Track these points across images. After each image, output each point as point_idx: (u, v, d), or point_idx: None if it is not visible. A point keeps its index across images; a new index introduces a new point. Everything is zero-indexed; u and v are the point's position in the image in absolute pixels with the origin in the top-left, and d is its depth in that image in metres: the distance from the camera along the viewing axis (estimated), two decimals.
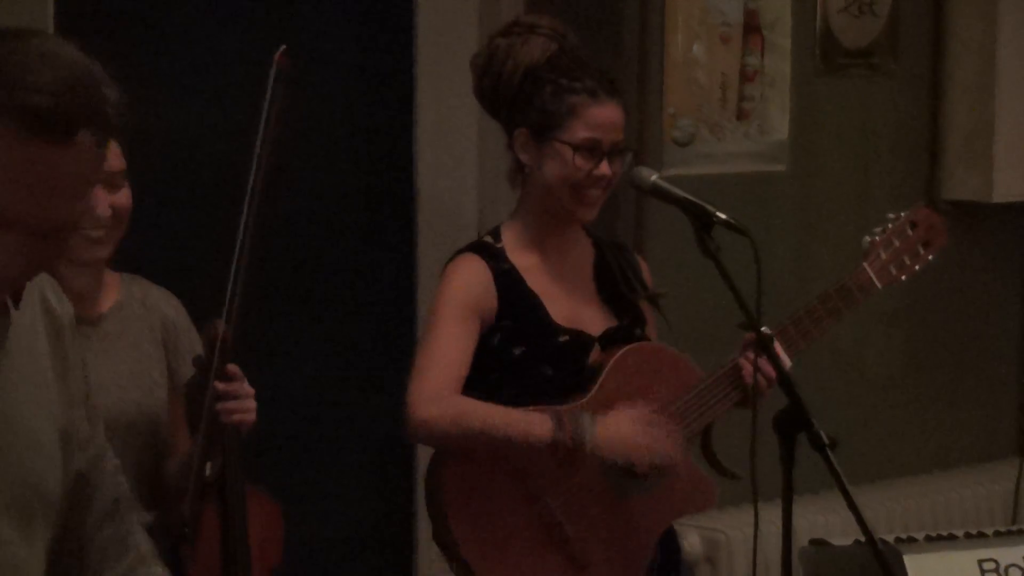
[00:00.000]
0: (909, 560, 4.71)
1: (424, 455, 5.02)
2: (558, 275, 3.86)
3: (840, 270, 5.33)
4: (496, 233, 3.85)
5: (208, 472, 3.53)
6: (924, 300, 5.57)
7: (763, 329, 3.67)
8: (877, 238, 4.03)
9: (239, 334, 3.37)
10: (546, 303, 3.81)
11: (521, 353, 3.77)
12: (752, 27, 5.14)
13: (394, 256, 5.12)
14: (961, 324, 5.62)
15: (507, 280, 3.79)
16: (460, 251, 3.85)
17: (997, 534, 5.03)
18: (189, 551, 3.48)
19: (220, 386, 3.49)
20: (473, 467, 3.67)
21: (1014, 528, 5.15)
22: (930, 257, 4.06)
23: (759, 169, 5.20)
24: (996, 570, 4.78)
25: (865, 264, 4.00)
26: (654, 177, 3.71)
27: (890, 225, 4.04)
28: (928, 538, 4.94)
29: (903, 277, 4.03)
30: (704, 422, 3.84)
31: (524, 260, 3.82)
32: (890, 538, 4.84)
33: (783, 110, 5.23)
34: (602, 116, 3.78)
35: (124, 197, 3.54)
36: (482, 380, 3.72)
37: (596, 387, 3.77)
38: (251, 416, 3.56)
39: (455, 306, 3.74)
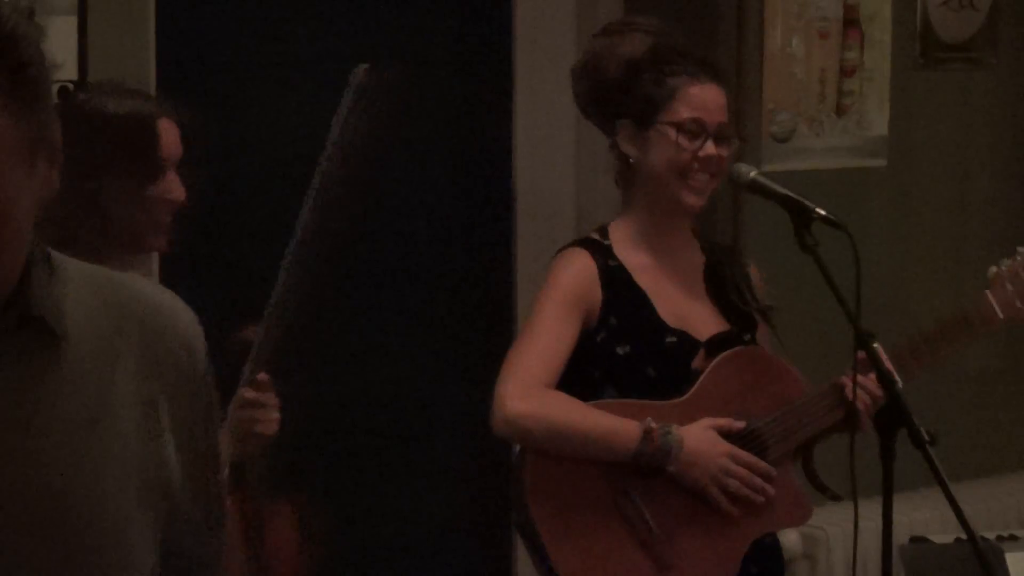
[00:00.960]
0: (1011, 558, 4.68)
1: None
2: (667, 275, 3.83)
3: (939, 268, 5.33)
4: (604, 230, 3.83)
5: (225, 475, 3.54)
6: None
7: (876, 345, 3.66)
8: (1004, 268, 3.97)
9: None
10: (655, 302, 3.78)
11: (625, 353, 3.74)
12: (851, 21, 5.14)
13: (493, 256, 5.13)
14: None
15: (614, 277, 3.76)
16: (567, 246, 3.83)
17: None
18: None
19: (248, 394, 3.47)
20: (555, 463, 3.65)
21: None
22: None
23: (858, 164, 5.19)
24: None
25: (988, 293, 3.94)
26: (753, 173, 3.71)
27: (1019, 257, 3.98)
28: None
29: (1018, 315, 3.95)
30: (802, 438, 3.80)
31: (633, 258, 3.79)
32: (991, 536, 4.80)
33: (882, 105, 5.22)
34: (704, 96, 3.76)
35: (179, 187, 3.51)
36: (582, 378, 3.69)
37: (693, 390, 3.74)
38: (272, 427, 3.51)
39: (557, 300, 3.72)
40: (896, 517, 3.55)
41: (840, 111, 5.14)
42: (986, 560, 3.81)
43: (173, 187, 3.47)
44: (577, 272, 3.74)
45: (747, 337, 3.87)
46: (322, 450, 4.82)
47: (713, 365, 3.77)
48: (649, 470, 3.65)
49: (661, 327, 3.77)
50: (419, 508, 5.06)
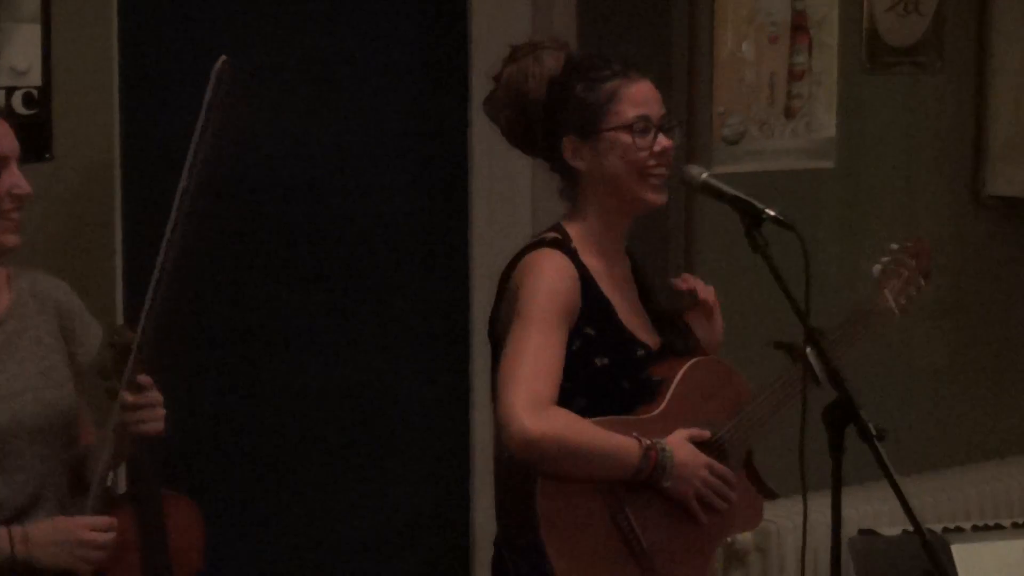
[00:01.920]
0: (957, 549, 4.72)
1: (481, 449, 5.07)
2: (617, 283, 3.77)
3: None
4: (563, 232, 3.73)
5: (110, 483, 3.57)
6: (969, 293, 5.57)
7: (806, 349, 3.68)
8: (885, 267, 4.00)
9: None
10: (617, 311, 3.72)
11: (603, 365, 3.67)
12: (799, 26, 5.15)
13: (450, 252, 5.14)
14: (1005, 316, 5.62)
15: (586, 283, 3.68)
16: (536, 245, 3.71)
17: None
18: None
19: (128, 397, 3.47)
20: (562, 483, 3.59)
21: None
22: (924, 286, 4.04)
23: (807, 166, 5.20)
24: None
25: (884, 291, 3.97)
26: (704, 175, 3.69)
27: (895, 256, 4.02)
28: (975, 528, 4.94)
29: (909, 307, 4.00)
30: (753, 442, 3.80)
31: (594, 263, 3.71)
32: (938, 528, 4.85)
33: (830, 108, 5.23)
34: (643, 92, 3.70)
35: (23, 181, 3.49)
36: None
37: (667, 402, 3.70)
38: (158, 426, 3.51)
39: (552, 308, 3.60)
40: (845, 510, 3.56)
41: (789, 114, 5.15)
42: (933, 552, 3.83)
43: (15, 181, 3.45)
44: (562, 277, 3.64)
45: (679, 345, 3.84)
46: (258, 448, 4.83)
47: (680, 375, 3.73)
48: (641, 485, 3.63)
49: (630, 340, 3.73)
50: (371, 505, 5.05)
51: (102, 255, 4.23)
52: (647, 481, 3.61)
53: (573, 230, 3.73)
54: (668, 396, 3.72)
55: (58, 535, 3.44)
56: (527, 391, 3.53)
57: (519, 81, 3.76)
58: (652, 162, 3.69)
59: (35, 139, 4.05)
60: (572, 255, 3.68)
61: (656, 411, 3.70)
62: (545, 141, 3.77)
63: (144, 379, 3.52)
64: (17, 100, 4.08)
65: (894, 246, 4.03)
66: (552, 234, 3.73)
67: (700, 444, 3.71)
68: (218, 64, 3.55)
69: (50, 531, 3.44)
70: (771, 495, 3.82)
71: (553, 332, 3.59)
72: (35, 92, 4.10)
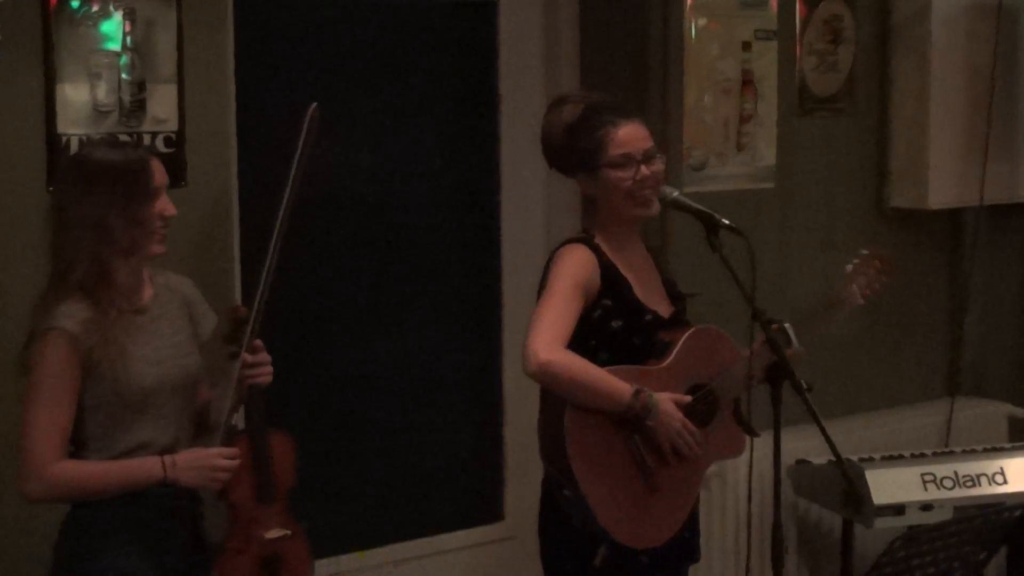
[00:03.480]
0: (869, 474, 4.71)
1: (511, 402, 5.06)
2: (635, 269, 3.78)
3: (812, 264, 5.35)
4: (590, 233, 3.76)
5: (233, 422, 3.63)
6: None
7: (785, 325, 3.73)
8: (855, 266, 3.99)
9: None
10: (634, 288, 3.74)
11: (618, 326, 3.69)
12: (747, 81, 5.11)
13: (484, 253, 5.11)
14: (904, 299, 5.60)
15: (606, 268, 3.70)
16: (569, 242, 3.76)
17: (935, 454, 5.03)
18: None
19: (248, 357, 3.59)
20: (588, 411, 3.60)
21: (946, 450, 5.15)
22: (886, 281, 4.02)
23: (753, 187, 5.17)
24: (934, 481, 4.77)
25: (852, 284, 3.95)
26: (675, 193, 3.71)
27: (863, 258, 4.00)
28: (883, 457, 4.94)
29: (871, 296, 3.98)
30: (737, 392, 3.78)
31: (612, 255, 3.74)
32: (855, 458, 4.84)
33: (770, 143, 5.19)
34: (624, 134, 3.70)
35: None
36: (582, 345, 3.63)
37: (671, 358, 3.70)
38: (268, 378, 3.63)
39: (570, 281, 3.64)
40: (784, 445, 3.59)
41: (740, 148, 5.12)
42: (849, 476, 3.85)
43: (165, 205, 3.47)
44: (583, 262, 3.67)
45: (686, 316, 3.86)
46: (338, 397, 4.82)
47: (684, 338, 3.73)
48: (634, 422, 3.62)
49: (641, 307, 3.73)
50: (420, 447, 5.01)
51: (224, 258, 4.22)
52: (634, 419, 3.61)
53: (597, 233, 3.76)
54: (673, 354, 3.72)
55: (197, 461, 3.48)
56: (545, 334, 3.56)
57: (548, 130, 3.80)
58: (638, 187, 3.70)
59: (173, 171, 4.04)
60: (595, 249, 3.71)
61: (663, 364, 3.71)
62: (568, 173, 3.81)
63: (258, 343, 3.61)
64: (159, 141, 4.08)
65: (863, 251, 4.01)
66: (582, 234, 3.77)
67: (694, 392, 3.71)
68: (310, 110, 3.57)
69: (191, 458, 3.48)
70: (753, 433, 3.78)
71: (569, 299, 3.63)
72: (173, 135, 4.10)
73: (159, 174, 3.47)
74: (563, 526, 3.71)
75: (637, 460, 3.65)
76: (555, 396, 3.63)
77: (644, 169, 3.70)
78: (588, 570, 3.68)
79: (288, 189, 3.59)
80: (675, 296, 3.88)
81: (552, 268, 3.71)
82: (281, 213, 3.58)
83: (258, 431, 3.64)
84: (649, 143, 3.74)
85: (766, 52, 5.15)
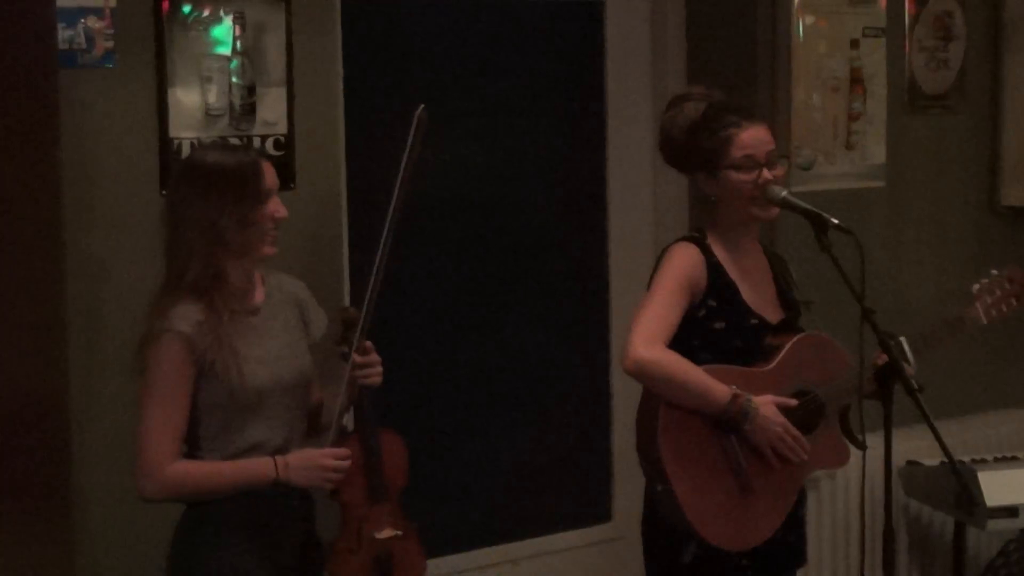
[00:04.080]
0: (982, 475, 4.65)
1: (620, 402, 5.05)
2: (747, 273, 3.76)
3: (923, 263, 5.29)
4: (702, 232, 3.75)
5: (344, 423, 3.65)
6: None
7: (901, 339, 3.70)
8: (983, 285, 3.94)
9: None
10: (741, 291, 3.72)
11: (721, 327, 3.67)
12: (856, 79, 5.08)
13: (592, 253, 5.11)
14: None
15: (714, 269, 3.69)
16: (680, 240, 3.75)
17: None
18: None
19: (358, 358, 3.60)
20: (683, 408, 3.59)
21: None
22: (1016, 305, 3.95)
23: (862, 186, 5.14)
24: None
25: (976, 304, 3.90)
26: (784, 193, 3.68)
27: (994, 278, 3.95)
28: (996, 459, 4.87)
29: (999, 318, 3.93)
30: (844, 401, 3.73)
31: (723, 257, 3.72)
32: (967, 459, 4.78)
33: (880, 141, 5.16)
34: (749, 137, 3.68)
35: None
36: (685, 344, 3.62)
37: (776, 363, 3.68)
38: (378, 379, 3.64)
39: (675, 280, 3.64)
40: (895, 446, 3.55)
41: (849, 146, 5.09)
42: (962, 478, 3.81)
43: (276, 207, 3.50)
44: (689, 261, 3.67)
45: (799, 322, 3.82)
46: (448, 398, 4.82)
47: (791, 344, 3.70)
48: (731, 424, 3.60)
49: (747, 311, 3.71)
50: (530, 448, 5.01)
51: (333, 259, 4.25)
52: (731, 421, 3.58)
53: (711, 233, 3.75)
54: (778, 358, 3.69)
55: (309, 462, 3.50)
56: (646, 330, 3.57)
57: (668, 128, 3.78)
58: (758, 191, 3.67)
59: (282, 174, 4.06)
60: (705, 248, 3.70)
61: (767, 368, 3.68)
62: (686, 170, 3.80)
63: (368, 344, 3.62)
64: (269, 144, 4.12)
65: (994, 271, 3.96)
66: (694, 233, 3.76)
67: (800, 398, 3.68)
68: (418, 111, 3.58)
69: (303, 459, 3.50)
70: (860, 445, 3.72)
71: (672, 297, 3.63)
72: (282, 138, 4.13)
73: (270, 177, 3.51)
74: (660, 524, 3.70)
75: (732, 460, 3.63)
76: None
77: (767, 173, 3.68)
78: (680, 567, 3.67)
79: (396, 191, 3.60)
80: (788, 302, 3.84)
81: (660, 266, 3.71)
82: (390, 215, 3.59)
83: (369, 431, 3.66)
84: (772, 146, 3.72)
85: (875, 49, 5.11)
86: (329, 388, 3.68)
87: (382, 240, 3.61)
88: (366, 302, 3.60)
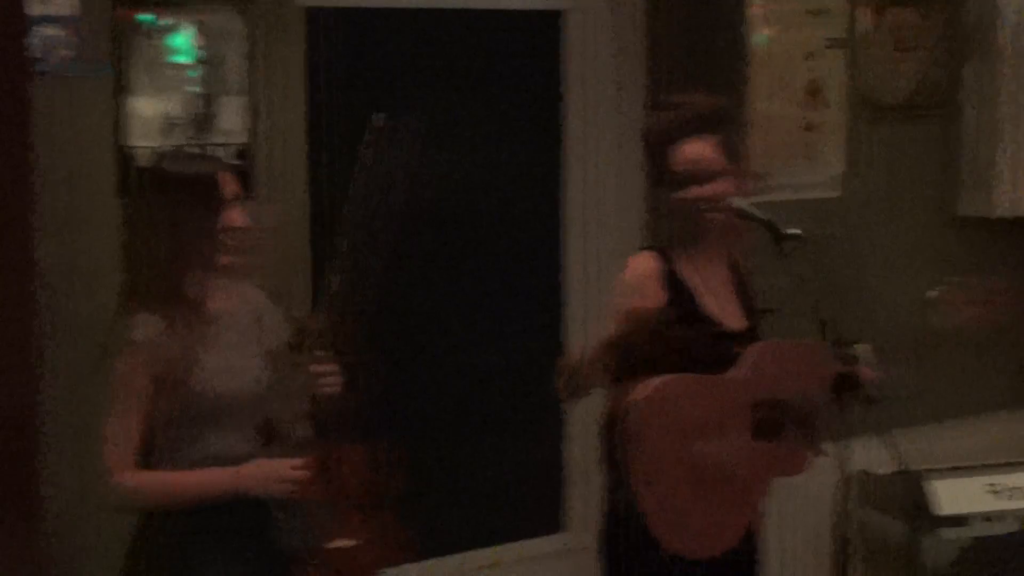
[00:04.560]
0: (933, 484, 4.68)
1: (573, 414, 5.05)
2: (708, 282, 3.77)
3: (880, 270, 5.31)
4: (667, 242, 3.76)
5: (303, 432, 3.60)
6: None
7: (862, 346, 3.68)
8: (940, 292, 3.90)
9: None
10: (702, 301, 3.73)
11: (680, 335, 3.65)
12: (815, 90, 5.12)
13: (548, 264, 5.11)
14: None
15: (673, 278, 3.70)
16: (642, 248, 3.79)
17: (1002, 465, 4.98)
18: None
19: (316, 368, 3.54)
20: (648, 410, 3.60)
21: (1015, 461, 5.10)
22: (976, 318, 3.91)
23: (820, 196, 5.16)
24: (1000, 492, 4.73)
25: (934, 312, 3.87)
26: (742, 203, 3.68)
27: (949, 286, 3.92)
28: (949, 468, 4.90)
29: (960, 327, 3.89)
30: (809, 410, 3.72)
31: (685, 268, 3.73)
32: (920, 468, 4.80)
33: (839, 151, 5.19)
34: (684, 153, 3.66)
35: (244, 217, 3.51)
36: (645, 353, 3.60)
37: (739, 370, 3.68)
38: (336, 389, 3.57)
39: (623, 292, 3.67)
40: (851, 455, 3.56)
41: (807, 156, 5.12)
42: (916, 485, 3.83)
43: (237, 217, 3.47)
44: (636, 272, 3.70)
45: (760, 330, 3.83)
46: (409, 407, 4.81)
47: (755, 352, 3.70)
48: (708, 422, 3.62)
49: (707, 319, 3.72)
50: (484, 458, 5.01)
51: (294, 270, 4.26)
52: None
53: (675, 245, 3.75)
54: (741, 367, 3.69)
55: (266, 472, 3.48)
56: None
57: (643, 136, 3.79)
58: (694, 206, 3.67)
59: (242, 182, 4.05)
60: (665, 258, 3.71)
61: (729, 376, 3.68)
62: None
63: (326, 354, 3.57)
64: (229, 153, 4.11)
65: (950, 279, 3.93)
66: (656, 243, 3.79)
67: (762, 406, 3.68)
68: (374, 120, 3.58)
69: (260, 469, 3.49)
70: (820, 453, 3.74)
71: (619, 303, 3.64)
72: (243, 148, 4.13)
73: (230, 187, 3.50)
74: (620, 534, 3.70)
75: (696, 468, 3.63)
76: (620, 401, 3.62)
77: (698, 190, 3.67)
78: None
79: (352, 199, 3.59)
80: (751, 311, 3.86)
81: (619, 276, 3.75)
82: (347, 223, 3.59)
83: (328, 441, 3.65)
84: (710, 162, 3.68)
85: (834, 60, 5.14)
86: (288, 398, 3.67)
87: (339, 249, 3.60)
88: (324, 311, 3.60)
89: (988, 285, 3.94)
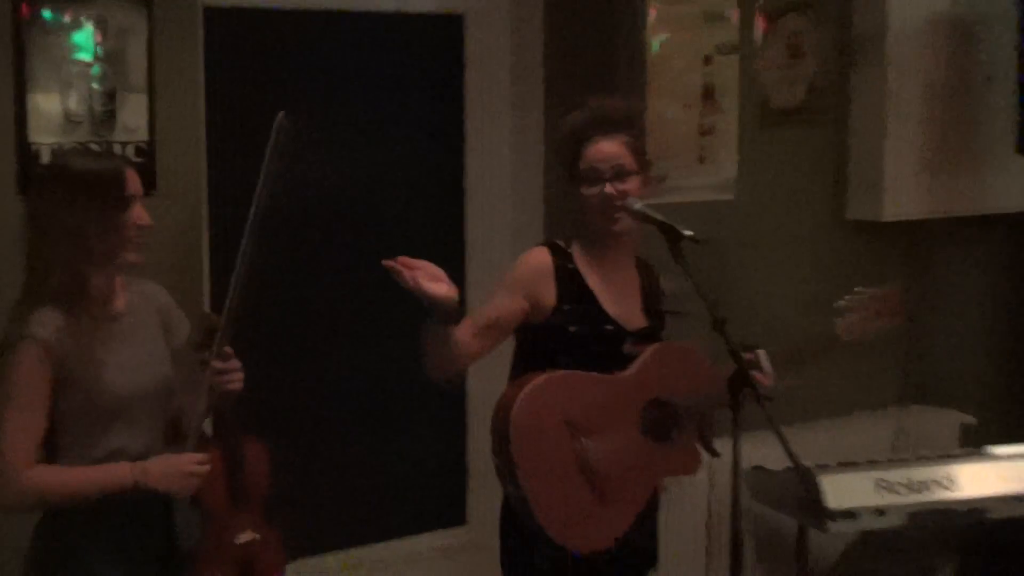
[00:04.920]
0: (824, 480, 4.74)
1: (475, 409, 5.08)
2: (610, 281, 3.80)
3: (772, 272, 5.37)
4: (568, 240, 3.80)
5: (204, 429, 3.61)
6: (834, 293, 5.58)
7: (759, 351, 3.73)
8: (846, 303, 3.98)
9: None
10: (599, 299, 3.76)
11: (575, 332, 3.71)
12: (709, 95, 5.15)
13: (450, 262, 5.04)
14: None
15: (569, 274, 3.73)
16: (539, 245, 3.81)
17: (889, 461, 5.05)
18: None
19: (218, 364, 3.52)
20: (534, 408, 3.62)
21: (900, 457, 5.18)
22: (881, 326, 4.00)
23: (714, 198, 5.21)
24: (888, 487, 4.80)
25: (838, 320, 3.96)
26: (639, 205, 3.72)
27: (855, 296, 4.00)
28: (839, 464, 4.96)
29: (861, 337, 3.97)
30: (702, 411, 3.79)
31: (585, 265, 3.76)
32: (810, 464, 4.87)
33: (732, 155, 5.23)
34: (596, 151, 3.72)
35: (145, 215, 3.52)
36: (543, 347, 3.67)
37: (634, 369, 3.72)
38: (239, 385, 3.56)
39: (513, 283, 3.71)
40: (744, 452, 3.60)
41: (701, 160, 5.16)
42: (806, 482, 3.88)
43: (140, 215, 3.47)
44: (529, 265, 3.73)
45: (661, 333, 3.87)
46: (304, 403, 4.82)
47: (650, 353, 3.75)
48: (594, 417, 3.64)
49: (603, 317, 3.75)
50: (388, 453, 5.02)
51: (193, 265, 4.24)
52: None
53: (577, 241, 3.79)
54: (636, 366, 3.73)
55: (168, 467, 3.46)
56: (475, 318, 3.65)
57: (554, 137, 3.85)
58: (602, 203, 3.72)
59: (143, 179, 4.03)
60: (561, 255, 3.74)
61: (624, 374, 3.72)
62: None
63: (228, 351, 3.56)
64: (130, 150, 4.10)
65: (858, 289, 4.00)
66: (557, 240, 3.80)
67: (656, 406, 3.72)
68: (278, 118, 3.58)
69: (163, 464, 3.47)
70: (714, 453, 3.81)
71: (508, 296, 3.69)
72: (144, 144, 4.12)
73: (133, 183, 3.48)
74: (514, 526, 3.73)
75: (583, 463, 3.66)
76: (508, 394, 3.65)
77: (610, 187, 3.72)
78: (533, 570, 3.71)
79: (257, 197, 3.59)
80: (653, 312, 3.90)
81: (511, 268, 3.77)
82: (250, 221, 3.58)
83: (229, 437, 3.65)
84: (621, 161, 3.74)
85: (728, 66, 5.18)
86: (190, 394, 3.66)
87: (242, 246, 3.60)
88: (226, 308, 3.59)
89: (891, 295, 4.01)
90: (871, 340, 4.05)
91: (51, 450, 3.43)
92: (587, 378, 3.67)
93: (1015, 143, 5.67)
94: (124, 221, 3.44)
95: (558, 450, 3.64)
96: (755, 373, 3.61)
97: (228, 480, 3.64)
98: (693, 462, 3.85)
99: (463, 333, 3.59)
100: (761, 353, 3.77)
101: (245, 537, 3.67)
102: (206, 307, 4.22)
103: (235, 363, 3.60)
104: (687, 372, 3.79)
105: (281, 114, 3.58)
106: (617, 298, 3.81)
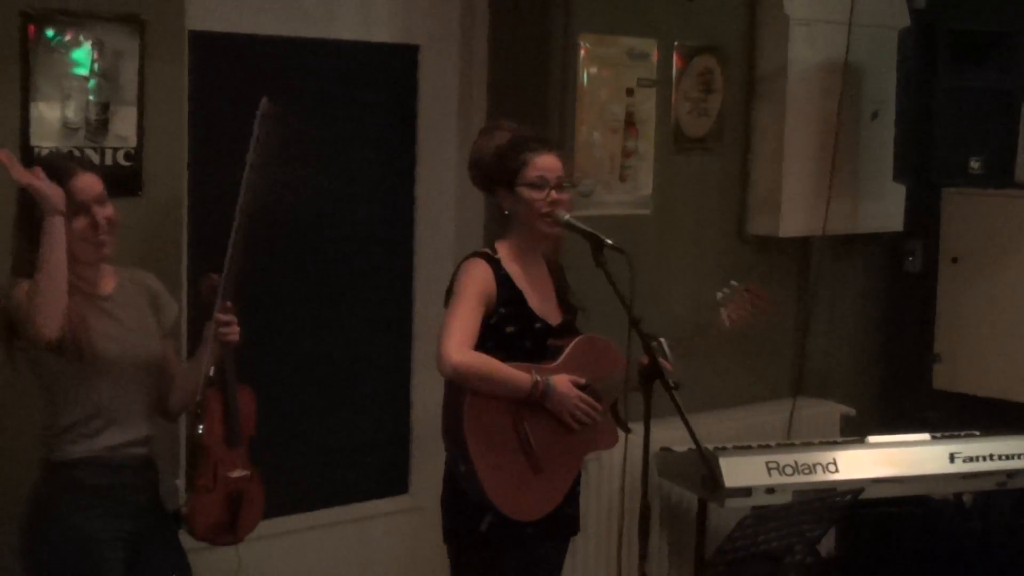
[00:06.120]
0: (723, 461, 4.79)
1: (418, 390, 5.08)
2: (533, 281, 3.82)
3: (682, 279, 5.41)
4: (493, 248, 3.81)
5: (211, 373, 3.62)
6: None
7: (661, 339, 3.74)
8: (723, 294, 4.00)
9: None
10: (528, 300, 3.79)
11: (511, 332, 3.74)
12: (631, 122, 5.18)
13: (400, 263, 5.11)
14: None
15: (504, 280, 3.75)
16: (471, 256, 3.80)
17: (778, 445, 5.12)
18: (204, 423, 3.58)
19: (221, 316, 3.57)
20: (483, 398, 3.65)
21: (788, 442, 5.25)
22: (758, 312, 4.02)
23: (633, 213, 5.24)
24: (777, 468, 4.85)
25: (722, 310, 3.98)
26: (566, 216, 3.76)
27: (734, 289, 4.02)
28: (735, 447, 5.02)
29: (739, 324, 3.99)
30: (616, 394, 3.82)
31: (512, 269, 3.78)
32: (711, 447, 4.92)
33: (649, 175, 5.26)
34: (544, 161, 3.76)
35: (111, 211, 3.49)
36: (481, 347, 3.69)
37: (562, 359, 3.76)
38: (236, 337, 3.60)
39: (472, 292, 3.69)
40: (652, 435, 3.64)
41: (622, 178, 5.18)
42: (707, 462, 3.92)
43: (101, 212, 3.43)
44: (482, 275, 3.72)
45: (577, 325, 3.89)
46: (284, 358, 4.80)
47: (573, 344, 3.77)
48: (535, 405, 3.68)
49: (533, 316, 3.77)
50: (340, 427, 4.98)
51: (174, 259, 4.23)
52: (537, 400, 3.66)
53: (501, 247, 3.80)
54: (562, 357, 3.77)
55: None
56: (454, 338, 3.62)
57: (478, 151, 3.84)
58: (545, 208, 3.75)
59: (132, 182, 4.07)
60: (494, 263, 3.75)
61: (553, 365, 3.75)
62: (490, 189, 3.83)
63: (229, 306, 3.59)
64: (120, 156, 4.09)
65: (733, 283, 4.03)
66: (485, 249, 3.80)
67: (581, 387, 3.75)
68: (262, 104, 3.57)
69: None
70: (626, 429, 3.83)
71: (472, 307, 3.68)
72: (132, 151, 4.10)
73: (87, 187, 3.44)
74: (459, 498, 3.76)
75: (524, 443, 3.69)
76: (457, 385, 3.67)
77: (555, 193, 3.75)
78: (477, 536, 3.73)
79: (247, 171, 3.59)
80: (567, 307, 3.92)
81: (457, 280, 3.75)
82: (243, 191, 3.58)
83: (228, 383, 3.66)
84: (562, 173, 3.79)
85: (648, 98, 5.21)
86: (198, 350, 3.66)
87: (238, 209, 3.59)
88: (226, 266, 3.59)
89: (759, 292, 4.06)
90: (753, 332, 4.09)
91: (48, 400, 3.44)
92: (528, 370, 3.70)
93: (892, 172, 5.76)
94: (78, 224, 3.40)
95: (505, 432, 3.67)
96: (660, 359, 3.65)
97: (226, 421, 3.65)
98: (613, 437, 3.88)
99: (468, 355, 3.62)
100: (663, 340, 3.81)
101: (238, 473, 3.69)
102: (184, 299, 4.22)
103: (233, 317, 3.61)
104: (602, 360, 3.82)
105: (265, 99, 3.58)
106: (541, 297, 3.84)
